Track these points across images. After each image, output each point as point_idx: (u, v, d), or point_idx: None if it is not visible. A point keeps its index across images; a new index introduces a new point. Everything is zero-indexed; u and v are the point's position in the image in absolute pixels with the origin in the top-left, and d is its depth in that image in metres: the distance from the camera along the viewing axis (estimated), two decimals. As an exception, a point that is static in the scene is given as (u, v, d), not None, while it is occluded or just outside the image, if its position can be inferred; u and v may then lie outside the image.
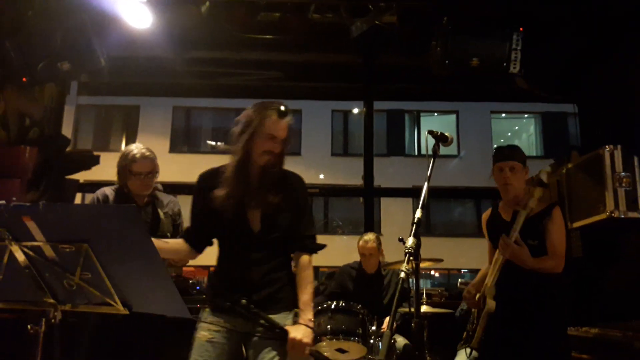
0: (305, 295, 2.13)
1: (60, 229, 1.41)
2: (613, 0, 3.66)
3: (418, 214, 1.98)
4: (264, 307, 2.06)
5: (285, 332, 2.02)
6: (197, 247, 2.30)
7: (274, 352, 2.07)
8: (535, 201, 2.67)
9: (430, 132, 2.25)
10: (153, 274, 1.46)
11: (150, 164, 2.99)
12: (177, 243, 2.33)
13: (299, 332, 2.02)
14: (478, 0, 3.97)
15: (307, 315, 2.09)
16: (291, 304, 2.17)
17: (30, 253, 1.51)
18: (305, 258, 2.21)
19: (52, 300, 1.60)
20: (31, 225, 1.44)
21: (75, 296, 1.58)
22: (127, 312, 1.55)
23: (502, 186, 2.83)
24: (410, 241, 1.89)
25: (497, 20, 4.04)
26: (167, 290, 1.49)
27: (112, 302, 1.54)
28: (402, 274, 1.78)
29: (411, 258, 1.85)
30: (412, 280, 2.03)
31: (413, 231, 1.92)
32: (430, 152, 2.22)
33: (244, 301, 1.97)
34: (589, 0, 3.74)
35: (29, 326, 1.57)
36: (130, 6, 3.97)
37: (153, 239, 1.45)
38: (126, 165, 2.95)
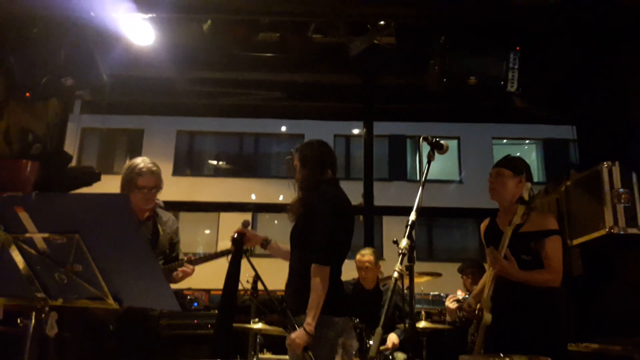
0: (309, 301, 2.38)
1: (52, 219, 1.42)
2: (607, 17, 3.71)
3: (412, 216, 1.98)
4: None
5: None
6: None
7: None
8: (519, 218, 2.70)
9: (425, 139, 2.27)
10: (143, 266, 1.46)
11: (155, 179, 2.98)
12: None
13: (294, 333, 2.34)
14: (475, 19, 4.03)
15: (307, 319, 2.35)
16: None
17: (23, 245, 1.51)
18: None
19: (43, 295, 1.60)
20: (23, 216, 1.44)
21: (67, 290, 1.57)
22: (117, 306, 1.55)
23: (490, 191, 2.90)
24: (404, 242, 1.89)
25: (494, 39, 4.10)
26: (157, 283, 1.48)
27: (103, 296, 1.53)
28: (395, 274, 1.77)
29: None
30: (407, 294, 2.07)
31: (407, 233, 1.92)
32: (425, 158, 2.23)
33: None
34: (584, 18, 3.79)
35: (18, 320, 1.56)
36: (133, 23, 4.04)
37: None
38: (132, 178, 2.94)
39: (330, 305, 2.40)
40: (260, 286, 3.29)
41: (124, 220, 1.37)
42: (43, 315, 1.60)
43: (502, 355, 2.25)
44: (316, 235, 2.48)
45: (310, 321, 2.33)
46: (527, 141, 19.08)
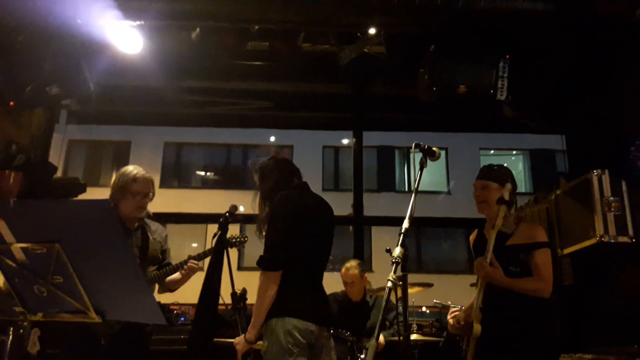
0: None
1: (31, 229, 1.35)
2: (599, 26, 3.73)
3: (405, 224, 1.94)
4: None
5: None
6: None
7: None
8: (501, 219, 2.65)
9: (418, 146, 2.23)
10: (128, 277, 1.39)
11: (149, 185, 2.98)
12: None
13: (236, 339, 2.44)
14: (465, 28, 4.03)
15: (249, 326, 2.40)
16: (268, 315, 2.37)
17: (0, 257, 1.44)
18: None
19: (21, 309, 1.53)
20: (1, 225, 1.37)
21: (47, 304, 1.50)
22: (100, 320, 1.48)
23: (477, 205, 2.84)
24: (397, 250, 1.85)
25: (484, 47, 4.10)
26: (142, 295, 1.42)
27: (85, 309, 1.46)
28: (389, 283, 1.73)
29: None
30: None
31: (400, 241, 1.88)
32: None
33: None
34: (575, 27, 3.81)
35: (-6, 335, 1.48)
36: (121, 31, 3.99)
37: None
38: (125, 184, 2.91)
39: (287, 308, 2.32)
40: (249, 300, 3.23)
41: (107, 227, 1.31)
42: (22, 331, 1.52)
43: None
44: (266, 239, 2.44)
45: (249, 328, 2.34)
46: (514, 152, 19.23)
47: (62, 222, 1.33)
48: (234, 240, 3.08)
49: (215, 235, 2.66)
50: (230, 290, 2.75)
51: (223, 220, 2.65)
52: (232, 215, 2.67)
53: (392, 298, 1.97)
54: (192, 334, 3.01)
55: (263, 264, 2.37)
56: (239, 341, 2.39)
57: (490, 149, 18.56)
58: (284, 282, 2.35)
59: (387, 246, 1.96)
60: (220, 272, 2.59)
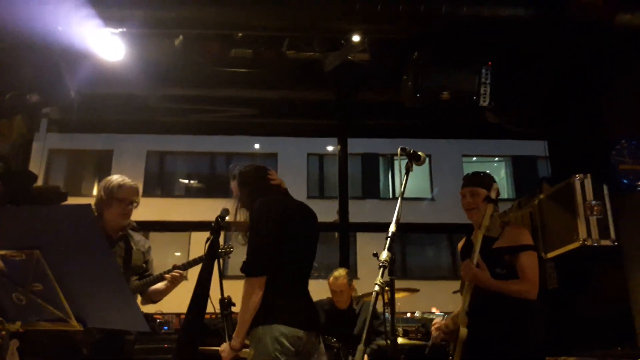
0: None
1: (10, 235, 1.32)
2: (579, 35, 3.79)
3: (392, 228, 1.94)
4: None
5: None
6: None
7: None
8: (488, 218, 2.67)
9: (403, 150, 2.24)
10: (110, 283, 1.36)
11: (135, 192, 2.99)
12: None
13: (222, 346, 2.41)
14: (449, 35, 4.06)
15: (234, 333, 2.37)
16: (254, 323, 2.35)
17: (-22, 265, 1.40)
18: None
19: (-1, 318, 1.49)
20: (-21, 232, 1.34)
21: (26, 312, 1.46)
22: (81, 328, 1.44)
23: (466, 212, 2.86)
24: (384, 254, 1.84)
25: (467, 54, 4.14)
26: (125, 302, 1.38)
27: (66, 317, 1.43)
28: (377, 287, 1.72)
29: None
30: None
31: (387, 245, 1.88)
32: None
33: None
34: (558, 34, 3.86)
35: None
36: (102, 38, 3.94)
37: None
38: (112, 190, 2.90)
39: (273, 315, 2.29)
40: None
41: (89, 233, 1.28)
42: (0, 341, 1.47)
43: None
44: (248, 245, 2.43)
45: (234, 335, 2.32)
46: (496, 158, 19.43)
47: (42, 228, 1.30)
48: (220, 250, 3.04)
49: (208, 239, 2.63)
50: (217, 297, 2.71)
51: (215, 224, 2.62)
52: (224, 220, 2.64)
53: (379, 302, 1.97)
54: (180, 340, 2.96)
55: (247, 270, 2.34)
56: (224, 349, 2.37)
57: (473, 156, 18.74)
58: (269, 288, 2.32)
59: (373, 253, 1.95)
60: (211, 278, 2.55)
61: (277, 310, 2.29)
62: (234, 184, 2.70)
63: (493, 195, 2.72)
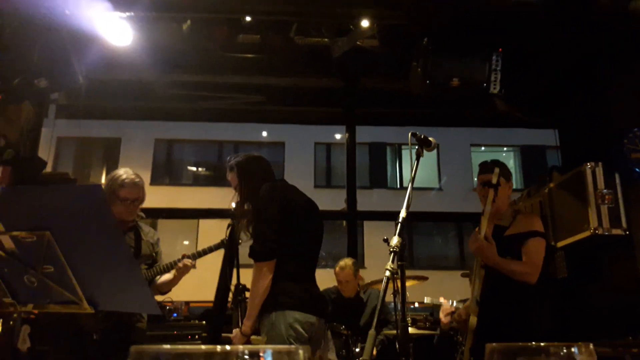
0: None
1: (21, 216, 1.31)
2: (591, 21, 3.72)
3: (402, 214, 1.92)
4: None
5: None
6: None
7: None
8: (490, 203, 2.65)
9: (414, 135, 2.22)
10: (121, 265, 1.35)
11: (138, 191, 2.95)
12: None
13: (233, 332, 2.43)
14: (459, 22, 4.01)
15: (244, 319, 2.38)
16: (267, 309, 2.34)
17: (-11, 246, 1.39)
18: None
19: (11, 300, 1.48)
20: (-11, 213, 1.33)
21: (37, 294, 1.46)
22: (92, 310, 1.44)
23: (481, 199, 2.83)
24: (395, 240, 1.83)
25: (478, 40, 4.08)
26: (136, 285, 1.38)
27: (77, 300, 1.42)
28: (387, 273, 1.71)
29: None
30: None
31: (397, 231, 1.86)
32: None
33: None
34: (568, 22, 3.79)
35: (-16, 327, 1.44)
36: (110, 22, 3.92)
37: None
38: (114, 189, 2.88)
39: (287, 301, 2.28)
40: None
41: (99, 213, 1.27)
42: (11, 323, 1.47)
43: None
44: (255, 230, 2.43)
45: (245, 320, 2.31)
46: (505, 148, 19.30)
47: (53, 209, 1.29)
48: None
49: (229, 226, 2.63)
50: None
51: (235, 210, 2.62)
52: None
53: (389, 290, 1.95)
54: (209, 328, 3.01)
55: (255, 255, 2.34)
56: (234, 335, 2.37)
57: (482, 145, 18.62)
58: (279, 274, 2.32)
59: (380, 243, 1.93)
60: (233, 266, 2.57)
61: (290, 297, 2.29)
62: (232, 175, 2.67)
63: (494, 180, 2.70)
